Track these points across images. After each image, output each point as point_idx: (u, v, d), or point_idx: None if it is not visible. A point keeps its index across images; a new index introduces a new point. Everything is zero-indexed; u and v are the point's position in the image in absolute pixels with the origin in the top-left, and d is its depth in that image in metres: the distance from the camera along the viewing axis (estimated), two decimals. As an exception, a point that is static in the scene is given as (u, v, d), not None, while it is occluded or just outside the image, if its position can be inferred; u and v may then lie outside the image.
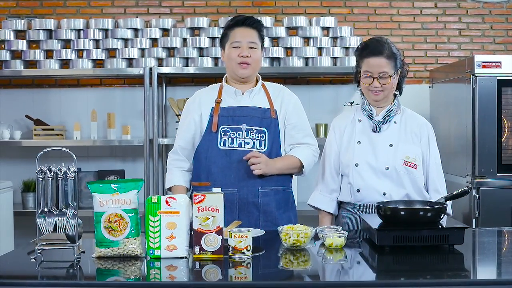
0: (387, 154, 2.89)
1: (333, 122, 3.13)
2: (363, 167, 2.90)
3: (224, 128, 2.88)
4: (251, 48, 2.92)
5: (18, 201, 4.62)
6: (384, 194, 2.84)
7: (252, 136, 2.88)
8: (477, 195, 3.91)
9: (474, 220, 3.92)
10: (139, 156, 4.64)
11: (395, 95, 3.01)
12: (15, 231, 4.37)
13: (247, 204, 2.87)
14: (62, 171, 2.21)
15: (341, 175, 2.99)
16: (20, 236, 4.31)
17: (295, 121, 3.00)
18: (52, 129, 4.64)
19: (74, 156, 2.26)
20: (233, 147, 2.87)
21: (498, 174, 3.94)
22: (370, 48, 2.92)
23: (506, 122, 4.03)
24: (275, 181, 2.92)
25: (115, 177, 4.58)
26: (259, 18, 3.01)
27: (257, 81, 3.02)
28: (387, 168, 2.87)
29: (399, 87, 3.01)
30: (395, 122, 2.96)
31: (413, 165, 2.89)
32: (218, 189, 2.26)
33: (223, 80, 3.04)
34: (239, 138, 2.88)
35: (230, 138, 2.87)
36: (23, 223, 4.41)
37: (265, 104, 2.97)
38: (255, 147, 2.87)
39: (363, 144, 2.94)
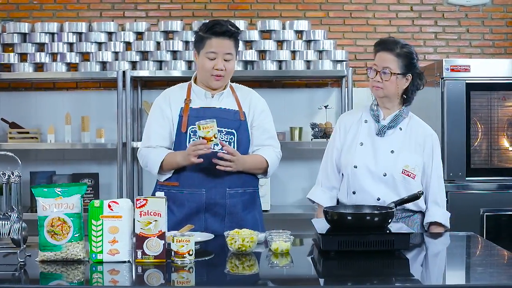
0: (387, 160, 2.86)
1: (340, 118, 3.11)
2: (361, 170, 2.87)
3: (193, 128, 2.87)
4: (226, 60, 2.90)
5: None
6: (378, 199, 2.82)
7: (221, 138, 2.87)
8: (446, 199, 3.87)
9: (443, 224, 3.90)
10: (114, 159, 4.64)
11: (404, 101, 2.96)
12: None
13: (214, 205, 2.88)
14: (6, 175, 2.22)
15: (342, 174, 2.98)
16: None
17: (260, 123, 3.01)
18: (27, 132, 4.64)
19: (19, 160, 2.27)
20: None
21: (466, 178, 3.92)
22: (383, 43, 2.92)
23: (479, 126, 4.02)
24: (242, 182, 2.94)
25: (89, 180, 4.59)
26: (234, 22, 3.00)
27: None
28: (385, 174, 2.84)
29: (408, 96, 2.94)
30: (400, 129, 2.91)
31: (412, 174, 2.85)
32: (161, 194, 2.27)
33: (191, 79, 3.03)
34: None
35: (198, 139, 2.86)
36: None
37: (234, 106, 2.98)
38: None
39: (365, 146, 2.90)
